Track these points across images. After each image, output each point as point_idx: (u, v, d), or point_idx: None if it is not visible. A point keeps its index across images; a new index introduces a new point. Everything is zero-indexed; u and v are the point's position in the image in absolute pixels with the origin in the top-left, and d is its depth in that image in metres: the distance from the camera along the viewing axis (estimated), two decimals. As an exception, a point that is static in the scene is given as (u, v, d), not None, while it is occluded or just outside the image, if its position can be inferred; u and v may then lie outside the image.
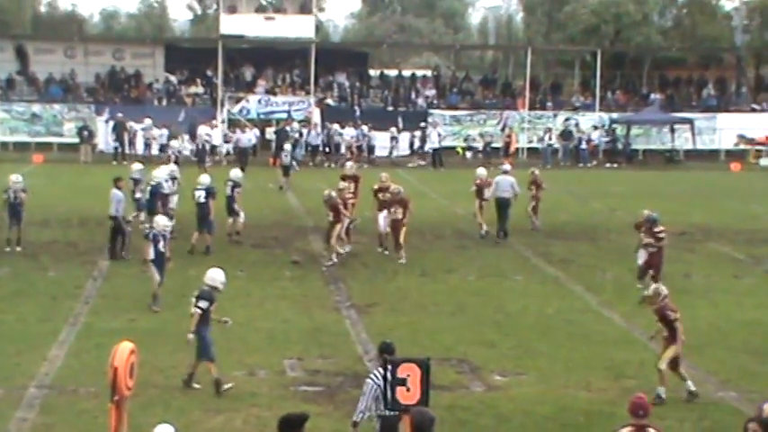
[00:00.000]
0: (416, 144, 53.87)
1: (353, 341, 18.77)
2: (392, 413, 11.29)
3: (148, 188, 27.51)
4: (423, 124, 54.32)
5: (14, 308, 20.53)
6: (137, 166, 29.86)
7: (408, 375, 10.17)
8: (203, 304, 15.29)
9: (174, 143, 46.41)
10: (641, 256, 23.15)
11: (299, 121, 53.05)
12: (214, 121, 51.61)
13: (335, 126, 52.30)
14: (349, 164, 31.00)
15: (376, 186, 27.48)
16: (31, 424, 14.25)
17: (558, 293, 23.00)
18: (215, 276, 15.74)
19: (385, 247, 26.73)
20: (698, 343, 18.97)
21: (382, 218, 26.66)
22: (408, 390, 10.11)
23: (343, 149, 51.57)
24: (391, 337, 18.49)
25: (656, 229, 22.57)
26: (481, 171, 30.47)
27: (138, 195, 28.23)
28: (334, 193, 25.66)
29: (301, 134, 51.42)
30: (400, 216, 25.80)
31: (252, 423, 14.32)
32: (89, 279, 23.36)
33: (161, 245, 20.52)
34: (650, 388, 15.31)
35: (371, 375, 12.00)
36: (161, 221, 20.97)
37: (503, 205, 29.72)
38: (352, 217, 27.09)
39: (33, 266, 24.29)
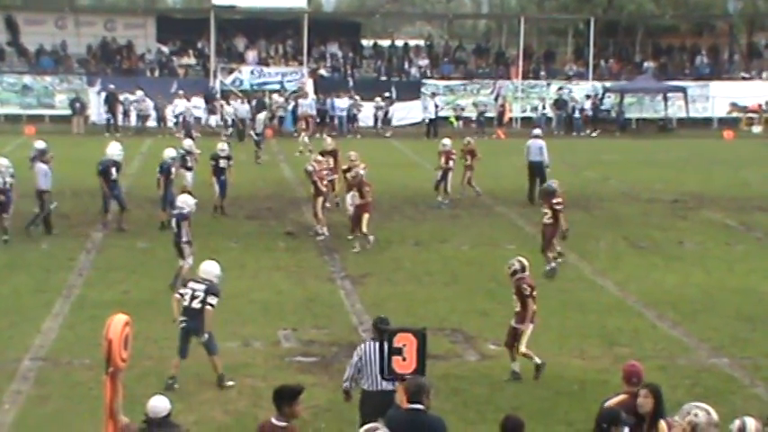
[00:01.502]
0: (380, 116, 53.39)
1: (348, 311, 18.81)
2: (374, 389, 11.48)
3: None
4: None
5: (7, 280, 20.53)
6: (188, 141, 29.57)
7: (404, 345, 10.18)
8: (215, 301, 14.63)
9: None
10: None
11: (293, 92, 52.92)
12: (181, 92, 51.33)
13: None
14: (328, 139, 30.63)
15: (345, 166, 26.55)
16: (25, 396, 14.28)
17: (551, 262, 23.02)
18: (211, 270, 14.97)
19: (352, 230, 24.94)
20: (690, 310, 19.08)
21: (349, 197, 24.99)
22: (404, 359, 10.13)
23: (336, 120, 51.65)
24: (385, 307, 18.67)
25: (554, 201, 21.54)
26: (446, 141, 30.52)
27: (190, 165, 28.28)
28: (310, 167, 25.51)
29: (294, 106, 51.25)
30: (357, 201, 24.14)
31: (246, 394, 14.36)
32: (82, 251, 23.35)
33: (173, 223, 19.94)
34: (644, 356, 15.39)
35: (359, 346, 12.13)
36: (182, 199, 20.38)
37: (536, 169, 30.35)
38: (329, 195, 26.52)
39: (26, 239, 24.26)
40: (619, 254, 23.89)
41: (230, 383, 14.59)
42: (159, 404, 9.88)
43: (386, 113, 52.91)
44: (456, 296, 19.74)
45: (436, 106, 51.90)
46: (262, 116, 42.30)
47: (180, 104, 49.04)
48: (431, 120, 51.09)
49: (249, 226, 26.52)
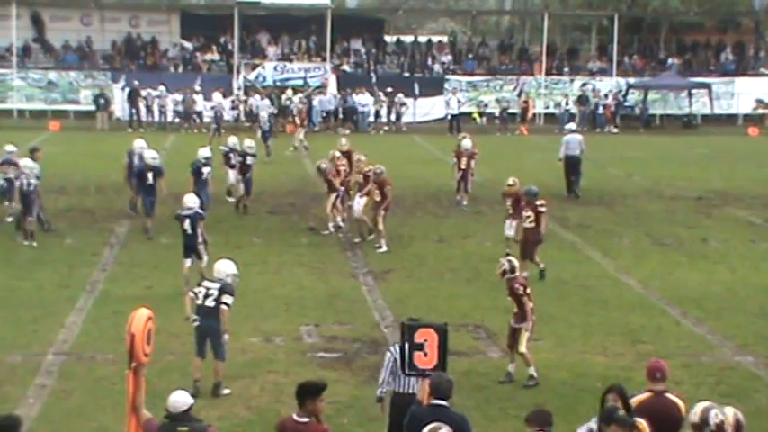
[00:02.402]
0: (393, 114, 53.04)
1: (370, 307, 18.80)
2: (406, 391, 11.35)
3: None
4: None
5: (32, 275, 20.61)
6: (232, 138, 29.23)
7: (426, 340, 10.16)
8: (230, 300, 14.33)
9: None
10: (509, 227, 22.26)
11: (316, 88, 52.96)
12: (197, 88, 51.43)
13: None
14: (343, 140, 29.31)
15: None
16: (49, 390, 14.34)
17: (574, 259, 22.97)
18: (225, 269, 14.65)
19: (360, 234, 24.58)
20: (715, 308, 18.99)
21: (356, 203, 24.53)
22: (426, 354, 10.11)
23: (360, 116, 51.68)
24: (408, 303, 18.70)
25: (538, 203, 20.92)
26: (466, 142, 29.21)
27: (233, 162, 28.04)
28: (324, 165, 25.16)
29: (310, 103, 51.13)
30: (362, 205, 24.08)
31: (269, 389, 14.37)
32: (106, 246, 23.43)
33: (185, 224, 19.40)
34: (667, 353, 15.32)
35: (390, 348, 12.03)
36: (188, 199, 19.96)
37: (574, 163, 30.49)
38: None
39: (50, 234, 24.34)
40: (642, 251, 23.81)
41: (226, 392, 14.21)
42: (180, 398, 9.88)
43: (389, 110, 52.72)
44: (478, 292, 19.69)
45: (459, 102, 51.77)
46: (265, 114, 41.77)
47: (216, 98, 48.84)
48: (453, 116, 50.96)
49: (271, 221, 26.54)
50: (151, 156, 24.98)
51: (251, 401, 13.97)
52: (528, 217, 20.86)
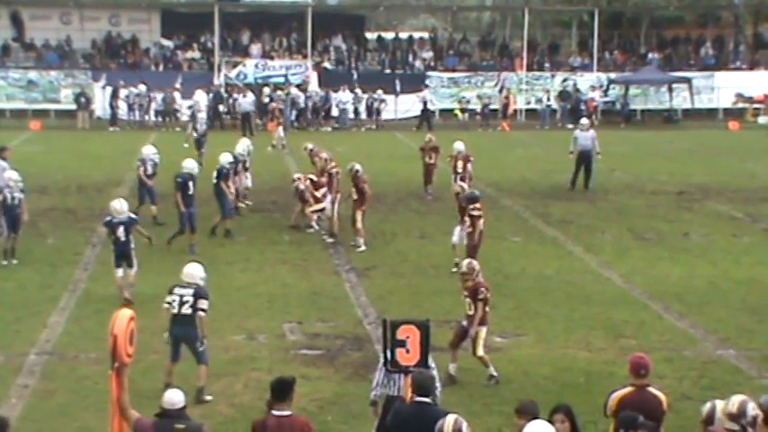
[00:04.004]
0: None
1: (353, 304, 18.80)
2: (398, 395, 11.32)
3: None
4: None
5: (14, 275, 20.55)
6: (245, 141, 28.78)
7: (408, 337, 10.18)
8: (206, 305, 14.05)
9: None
10: (455, 234, 21.30)
11: (297, 86, 52.92)
12: (177, 85, 51.39)
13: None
14: (323, 153, 27.62)
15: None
16: (31, 390, 14.30)
17: (556, 254, 23.02)
18: (195, 273, 14.34)
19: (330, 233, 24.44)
20: (697, 302, 19.06)
21: (327, 203, 24.72)
22: (408, 351, 10.13)
23: (335, 113, 51.70)
24: (391, 300, 18.73)
25: (471, 207, 20.25)
26: (458, 145, 28.05)
27: (248, 165, 27.82)
28: (302, 186, 24.88)
29: (293, 100, 51.06)
30: (337, 207, 24.36)
31: (252, 387, 14.37)
32: (88, 245, 23.38)
33: (119, 231, 18.56)
34: (650, 347, 15.38)
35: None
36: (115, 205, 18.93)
37: (586, 157, 30.84)
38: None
39: (32, 233, 24.22)
40: (624, 246, 23.87)
41: (208, 398, 13.93)
42: (176, 397, 9.87)
43: (368, 107, 52.62)
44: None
45: (428, 100, 51.74)
46: (201, 116, 40.46)
47: (197, 96, 48.66)
48: (423, 111, 51.21)
49: (254, 219, 26.51)
50: (191, 165, 23.41)
51: (234, 399, 13.96)
52: (465, 222, 20.47)
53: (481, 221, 20.32)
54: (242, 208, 27.00)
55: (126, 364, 10.22)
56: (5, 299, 18.81)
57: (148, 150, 26.07)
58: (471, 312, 14.68)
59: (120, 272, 18.65)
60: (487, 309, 14.81)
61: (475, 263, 15.26)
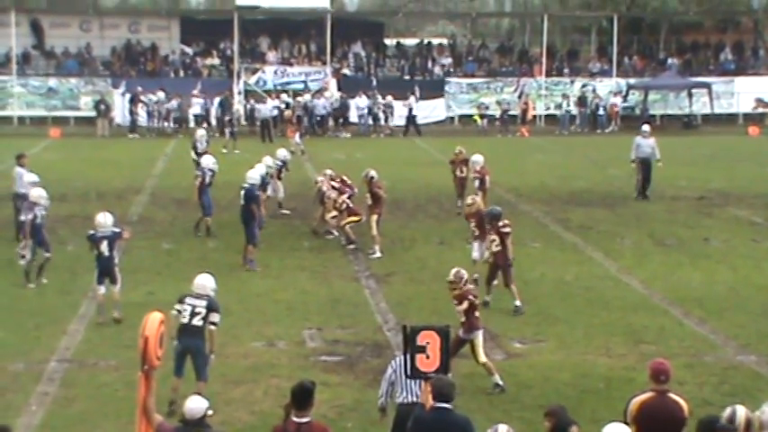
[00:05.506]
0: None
1: (373, 311, 18.79)
2: (410, 401, 11.31)
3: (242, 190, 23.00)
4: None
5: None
6: (282, 151, 28.87)
7: (428, 343, 10.15)
8: (218, 318, 13.82)
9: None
10: (475, 250, 20.59)
11: (314, 92, 52.92)
12: (195, 91, 51.52)
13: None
14: (328, 171, 26.89)
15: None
16: (52, 398, 14.32)
17: (576, 260, 22.96)
18: (207, 284, 14.11)
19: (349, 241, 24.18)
20: (717, 307, 18.97)
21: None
22: (428, 357, 10.10)
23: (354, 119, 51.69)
24: (410, 306, 18.71)
25: (500, 224, 19.13)
26: (477, 158, 26.84)
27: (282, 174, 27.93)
28: (325, 188, 24.94)
29: (306, 107, 51.02)
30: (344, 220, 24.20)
31: (272, 394, 14.35)
32: (108, 252, 23.37)
33: (102, 246, 17.87)
34: (670, 354, 15.30)
35: (392, 362, 12.01)
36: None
37: (646, 164, 30.79)
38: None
39: (52, 240, 24.11)
40: (644, 252, 23.79)
41: (210, 413, 13.75)
42: (196, 405, 9.89)
43: (385, 114, 52.55)
44: (480, 295, 19.63)
45: (410, 108, 51.57)
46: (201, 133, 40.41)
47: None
48: (407, 118, 51.15)
49: (273, 226, 26.49)
50: (254, 175, 23.24)
51: (254, 406, 13.95)
52: (493, 240, 19.23)
53: (510, 239, 19.26)
54: (283, 215, 27.44)
55: (155, 367, 10.25)
56: (25, 306, 18.85)
57: (207, 161, 25.74)
58: (463, 320, 14.54)
59: (102, 289, 17.89)
60: (477, 314, 14.64)
61: (463, 271, 14.93)
